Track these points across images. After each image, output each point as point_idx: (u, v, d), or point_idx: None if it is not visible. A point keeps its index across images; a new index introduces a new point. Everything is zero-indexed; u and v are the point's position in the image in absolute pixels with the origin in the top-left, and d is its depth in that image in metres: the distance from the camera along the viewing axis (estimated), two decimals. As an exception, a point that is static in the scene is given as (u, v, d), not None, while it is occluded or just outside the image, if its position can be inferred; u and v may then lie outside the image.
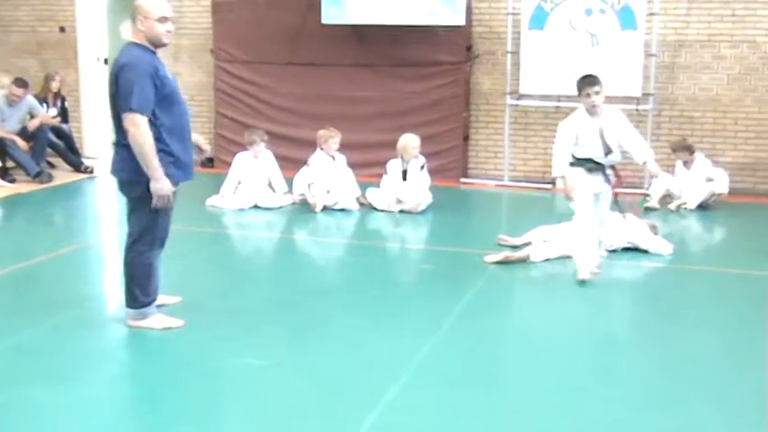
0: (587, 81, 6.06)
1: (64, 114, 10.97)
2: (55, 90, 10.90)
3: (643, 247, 6.92)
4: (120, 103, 4.67)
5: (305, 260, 7.25)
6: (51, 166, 10.56)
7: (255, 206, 8.58)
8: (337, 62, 10.50)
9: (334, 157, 8.67)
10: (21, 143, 9.95)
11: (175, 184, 4.82)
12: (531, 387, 4.37)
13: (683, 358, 4.76)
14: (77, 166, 10.61)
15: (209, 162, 11.01)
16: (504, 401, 4.15)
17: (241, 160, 8.85)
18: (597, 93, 5.99)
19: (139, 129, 4.58)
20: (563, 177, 6.19)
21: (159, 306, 5.07)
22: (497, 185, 10.14)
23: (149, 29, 4.73)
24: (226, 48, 10.99)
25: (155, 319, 4.97)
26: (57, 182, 9.94)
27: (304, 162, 8.71)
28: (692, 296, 6.03)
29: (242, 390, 4.21)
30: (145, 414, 4.03)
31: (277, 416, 3.91)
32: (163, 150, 4.71)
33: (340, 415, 3.90)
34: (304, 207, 8.52)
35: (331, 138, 8.61)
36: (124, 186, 4.90)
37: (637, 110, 9.75)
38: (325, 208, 8.47)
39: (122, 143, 4.77)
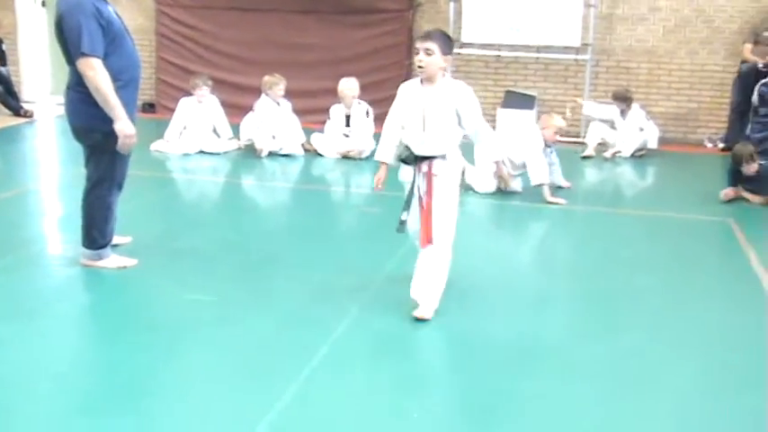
0: (420, 35, 4.50)
1: (2, 57, 10.79)
2: (-9, 33, 10.73)
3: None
4: (71, 49, 4.62)
5: (251, 204, 7.35)
6: (-11, 110, 10.43)
7: (201, 151, 8.63)
8: (280, 8, 10.50)
9: (279, 103, 8.73)
10: (-42, 87, 9.83)
11: None
12: (473, 319, 4.58)
13: (621, 292, 5.04)
14: (17, 110, 10.51)
15: (149, 107, 10.97)
16: (448, 334, 4.34)
17: (185, 105, 8.85)
18: (428, 51, 4.26)
19: (96, 71, 4.56)
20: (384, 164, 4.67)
21: (113, 246, 5.13)
22: (439, 133, 10.28)
23: None
24: (167, -9, 10.89)
25: (110, 260, 5.04)
26: (-5, 126, 9.87)
27: (247, 108, 8.76)
28: (627, 238, 6.28)
29: (198, 323, 4.31)
30: (106, 346, 4.12)
31: (233, 347, 4.04)
32: None
33: (295, 345, 4.05)
34: (249, 152, 8.59)
35: (276, 84, 8.66)
36: (79, 133, 4.86)
37: (575, 60, 10.00)
38: (270, 153, 8.56)
39: (74, 88, 4.74)
